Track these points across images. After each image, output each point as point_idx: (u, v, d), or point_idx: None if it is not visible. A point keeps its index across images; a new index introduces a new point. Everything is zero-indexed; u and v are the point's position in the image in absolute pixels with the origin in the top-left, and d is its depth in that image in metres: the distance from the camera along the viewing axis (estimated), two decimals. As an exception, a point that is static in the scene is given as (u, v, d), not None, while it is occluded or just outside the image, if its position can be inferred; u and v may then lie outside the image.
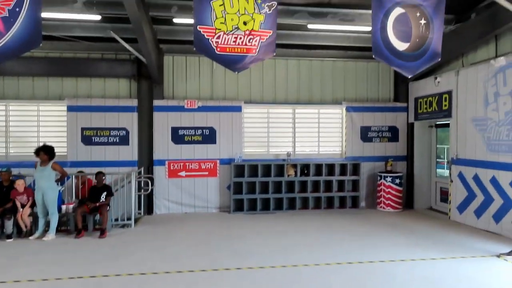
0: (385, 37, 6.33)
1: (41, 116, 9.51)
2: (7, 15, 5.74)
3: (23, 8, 5.78)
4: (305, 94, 10.33)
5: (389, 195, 9.90)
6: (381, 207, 10.04)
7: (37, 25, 5.81)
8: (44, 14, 5.96)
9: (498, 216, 7.60)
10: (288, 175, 9.79)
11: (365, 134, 10.47)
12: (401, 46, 6.43)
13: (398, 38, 6.42)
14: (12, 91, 9.48)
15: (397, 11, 6.40)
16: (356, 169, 10.18)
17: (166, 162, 9.59)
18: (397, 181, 9.92)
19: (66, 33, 8.72)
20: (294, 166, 9.84)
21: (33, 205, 7.43)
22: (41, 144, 7.76)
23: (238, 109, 9.82)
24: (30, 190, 7.58)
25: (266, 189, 9.76)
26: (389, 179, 9.89)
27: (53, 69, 9.43)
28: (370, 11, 6.56)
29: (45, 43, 5.99)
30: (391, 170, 10.20)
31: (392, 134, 10.62)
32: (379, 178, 10.09)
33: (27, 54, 6.25)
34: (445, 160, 9.95)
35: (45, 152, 7.39)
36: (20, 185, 7.44)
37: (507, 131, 7.35)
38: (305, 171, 9.92)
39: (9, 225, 7.10)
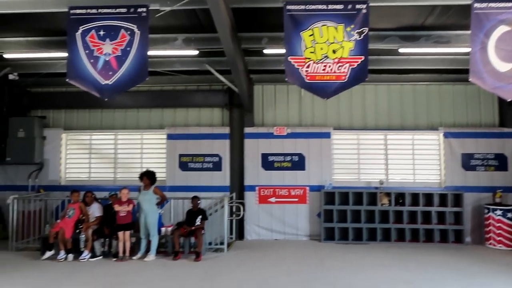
0: (484, 57, 5.94)
1: (144, 144, 10.36)
2: (120, 54, 6.54)
3: (133, 47, 6.57)
4: (397, 119, 10.06)
5: (500, 231, 8.95)
6: (490, 243, 9.06)
7: (144, 62, 6.54)
8: (149, 52, 6.64)
9: None
10: (382, 204, 9.43)
11: (467, 162, 9.70)
12: (503, 67, 5.97)
13: (500, 58, 5.98)
14: (120, 122, 10.53)
15: (501, 29, 5.99)
16: (458, 200, 9.39)
17: (257, 188, 9.77)
18: (510, 215, 8.95)
19: (167, 68, 9.51)
20: (388, 194, 9.48)
21: (131, 228, 7.91)
22: (144, 169, 8.47)
23: (327, 135, 9.81)
24: (132, 201, 7.92)
25: (358, 218, 9.47)
26: (499, 212, 8.97)
27: (155, 101, 10.36)
28: (468, 32, 6.26)
29: (148, 78, 6.65)
30: (500, 202, 9.26)
31: (500, 162, 9.68)
32: (486, 211, 9.19)
33: (133, 88, 6.98)
34: None
35: (148, 177, 7.95)
36: (125, 194, 7.79)
37: None
38: (400, 201, 9.48)
39: (116, 245, 7.83)
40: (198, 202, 8.32)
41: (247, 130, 9.93)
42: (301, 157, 9.78)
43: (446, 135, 9.75)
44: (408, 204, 9.43)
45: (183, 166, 9.97)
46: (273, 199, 9.74)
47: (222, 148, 9.91)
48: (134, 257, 7.72)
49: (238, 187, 9.91)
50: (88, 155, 10.51)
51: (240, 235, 9.76)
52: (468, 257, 7.99)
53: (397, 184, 9.79)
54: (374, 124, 10.05)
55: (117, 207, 7.76)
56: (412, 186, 9.71)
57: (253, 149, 9.88)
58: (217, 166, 9.88)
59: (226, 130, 9.99)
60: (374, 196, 9.50)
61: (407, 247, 8.92)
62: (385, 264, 7.35)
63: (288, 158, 9.80)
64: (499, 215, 8.98)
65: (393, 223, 9.39)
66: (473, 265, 7.40)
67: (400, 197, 9.49)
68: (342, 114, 10.10)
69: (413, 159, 9.88)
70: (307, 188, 9.72)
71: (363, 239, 9.34)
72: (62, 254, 7.64)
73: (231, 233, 9.47)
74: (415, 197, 9.46)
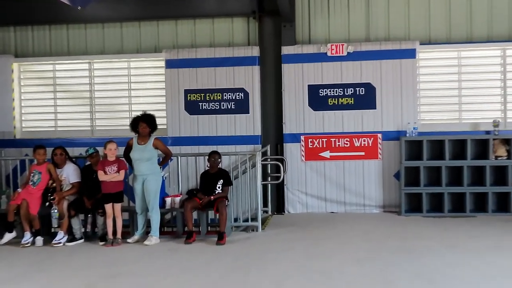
0: None
1: (133, 76, 10.42)
2: None
3: None
4: None
5: None
6: None
7: None
8: None
9: None
10: (497, 157, 9.30)
11: None
12: None
13: None
14: (96, 44, 10.48)
15: None
16: None
17: (302, 138, 9.80)
18: None
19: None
20: (507, 142, 9.31)
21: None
22: (136, 113, 8.24)
23: (411, 53, 9.60)
24: (123, 162, 7.92)
25: (459, 179, 9.39)
26: None
27: (146, 10, 10.20)
28: None
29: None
30: None
31: None
32: None
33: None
34: None
35: (147, 122, 7.80)
36: (112, 150, 7.75)
37: None
38: None
39: (102, 223, 7.88)
40: (219, 160, 8.27)
41: (287, 50, 9.80)
42: (370, 89, 9.68)
43: None
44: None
45: (191, 108, 10.02)
46: (327, 154, 9.78)
47: (249, 79, 9.91)
48: (129, 240, 7.78)
49: (274, 137, 9.99)
50: (53, 94, 10.61)
51: (279, 207, 9.91)
52: None
53: None
54: (486, 34, 9.75)
55: (101, 175, 7.70)
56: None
57: (295, 79, 9.82)
58: (241, 107, 9.92)
59: (254, 51, 9.89)
60: (484, 144, 9.38)
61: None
62: (504, 246, 7.21)
63: (350, 91, 9.73)
64: None
65: None
66: None
67: None
68: (433, 21, 9.86)
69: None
70: (379, 135, 9.69)
71: (467, 210, 9.31)
72: (27, 236, 7.77)
73: (265, 204, 9.55)
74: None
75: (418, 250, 7.08)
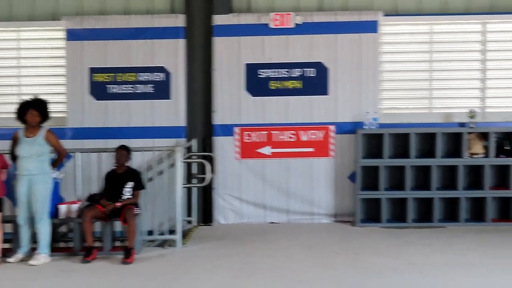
0: None
1: (23, 49, 10.33)
2: None
3: None
4: None
5: None
6: None
7: None
8: None
9: None
10: (472, 155, 9.54)
11: None
12: None
13: None
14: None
15: None
16: None
17: (237, 130, 9.90)
18: None
19: None
20: (484, 136, 9.55)
21: None
22: (26, 97, 8.15)
23: (372, 27, 9.79)
24: (3, 159, 7.81)
25: (426, 181, 9.61)
26: None
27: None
28: None
29: None
30: None
31: None
32: None
33: None
34: None
35: (37, 109, 7.73)
36: None
37: None
38: (506, 147, 9.60)
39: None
40: (128, 157, 8.30)
41: (220, 20, 9.86)
42: (322, 70, 9.83)
43: None
44: (520, 154, 9.47)
45: (98, 92, 10.02)
46: (267, 150, 9.90)
47: (171, 55, 9.93)
48: (10, 259, 7.68)
49: (202, 129, 10.05)
50: None
51: (207, 216, 9.96)
52: None
53: (502, 117, 9.93)
54: (463, 5, 10.02)
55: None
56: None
57: (230, 57, 9.91)
58: (162, 90, 9.95)
59: (179, 21, 9.92)
60: (457, 139, 9.60)
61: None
62: (476, 262, 7.46)
63: (297, 72, 9.85)
64: None
65: (492, 189, 9.53)
66: None
67: (507, 141, 9.60)
68: (400, -13, 9.99)
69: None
70: (332, 128, 9.86)
71: (435, 219, 9.53)
72: None
73: (189, 213, 9.66)
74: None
75: (373, 269, 7.25)
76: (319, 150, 9.86)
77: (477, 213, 9.70)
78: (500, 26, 10.04)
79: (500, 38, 10.07)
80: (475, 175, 9.70)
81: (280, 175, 9.88)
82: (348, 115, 9.83)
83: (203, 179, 9.42)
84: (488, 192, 9.53)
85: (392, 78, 10.10)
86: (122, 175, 8.17)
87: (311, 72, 9.83)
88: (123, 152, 8.21)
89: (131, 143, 8.78)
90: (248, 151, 9.88)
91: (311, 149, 9.87)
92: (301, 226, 9.64)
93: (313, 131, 9.85)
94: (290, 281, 6.77)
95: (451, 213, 9.71)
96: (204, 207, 9.95)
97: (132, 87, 9.94)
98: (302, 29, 9.78)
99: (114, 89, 9.94)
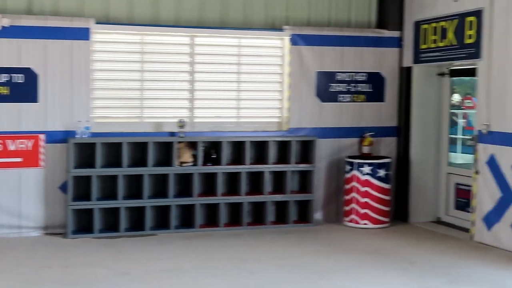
0: None
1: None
2: None
3: None
4: (214, 10, 10.89)
5: (366, 199, 10.73)
6: (351, 220, 10.90)
7: None
8: None
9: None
10: (182, 163, 10.43)
11: (325, 88, 11.27)
12: None
13: None
14: None
15: None
16: (307, 151, 10.97)
17: None
18: (381, 173, 10.75)
19: None
20: (193, 145, 10.42)
21: None
22: None
23: (84, 34, 10.16)
24: None
25: (138, 190, 10.27)
26: (367, 169, 10.71)
27: None
28: None
29: None
30: (370, 153, 11.11)
31: (374, 87, 11.58)
32: (349, 168, 10.89)
33: None
34: (466, 135, 11.19)
35: None
36: None
37: None
38: (213, 155, 10.57)
39: None
40: None
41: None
42: (31, 77, 9.99)
43: (295, 40, 11.00)
44: (227, 162, 10.61)
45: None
46: (-33, 160, 9.78)
47: None
48: None
49: None
50: None
51: None
52: (317, 245, 9.54)
53: (209, 126, 10.95)
54: (174, 18, 10.75)
55: None
56: (236, 130, 11.00)
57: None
58: None
59: None
60: (168, 148, 10.39)
61: (224, 235, 10.24)
62: (184, 268, 8.33)
63: (5, 77, 9.91)
64: (366, 174, 10.69)
65: (200, 196, 10.54)
66: (324, 256, 8.93)
67: (213, 149, 10.57)
68: (114, -4, 10.46)
69: (239, 82, 11.16)
70: (42, 137, 10.07)
71: (146, 227, 10.23)
72: None
73: None
74: (238, 147, 10.73)
75: (84, 281, 7.66)
76: (28, 160, 9.98)
77: (187, 219, 10.57)
78: (206, 40, 10.98)
79: (206, 52, 11.02)
80: (185, 183, 10.54)
81: (-19, 186, 9.82)
82: (60, 123, 10.08)
83: None
84: (197, 199, 10.45)
85: (104, 87, 10.60)
86: None
87: (19, 78, 9.92)
88: None
89: None
90: None
91: (19, 159, 9.96)
92: (7, 241, 9.57)
93: (22, 140, 9.94)
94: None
95: (162, 220, 10.47)
96: None
97: None
98: (9, 32, 9.75)
99: None
